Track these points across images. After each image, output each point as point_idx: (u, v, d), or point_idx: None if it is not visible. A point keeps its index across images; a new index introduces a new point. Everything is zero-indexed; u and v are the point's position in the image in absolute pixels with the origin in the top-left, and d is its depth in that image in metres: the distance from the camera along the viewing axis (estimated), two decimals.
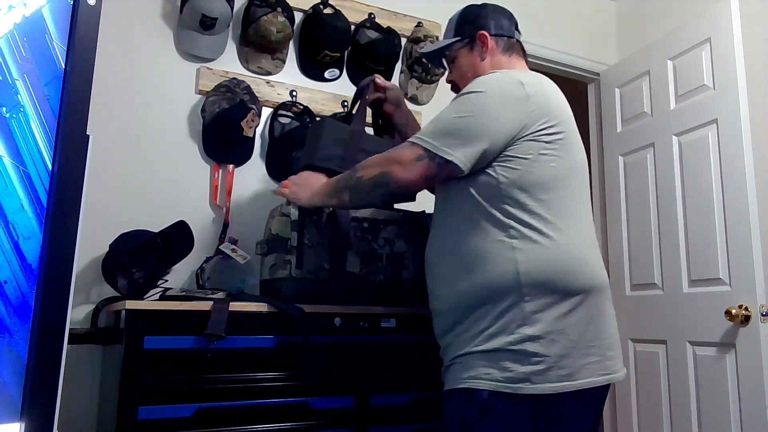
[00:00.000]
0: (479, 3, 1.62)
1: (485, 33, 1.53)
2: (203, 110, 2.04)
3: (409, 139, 1.39)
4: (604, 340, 1.32)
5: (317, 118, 2.22)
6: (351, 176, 1.46)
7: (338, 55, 2.31)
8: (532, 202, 1.31)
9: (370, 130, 1.92)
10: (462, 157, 1.31)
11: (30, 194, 0.82)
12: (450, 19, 1.62)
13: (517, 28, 1.59)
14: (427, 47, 1.68)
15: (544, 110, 1.36)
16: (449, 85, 1.66)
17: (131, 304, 1.50)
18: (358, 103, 1.85)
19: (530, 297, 1.27)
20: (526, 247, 1.29)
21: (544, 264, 1.29)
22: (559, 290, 1.29)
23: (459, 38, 1.57)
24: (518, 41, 1.58)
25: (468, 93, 1.37)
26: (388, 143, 1.74)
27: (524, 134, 1.33)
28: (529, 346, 1.24)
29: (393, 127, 1.87)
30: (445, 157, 1.32)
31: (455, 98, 1.42)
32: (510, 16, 1.59)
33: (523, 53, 1.58)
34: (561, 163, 1.36)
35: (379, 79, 1.83)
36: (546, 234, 1.31)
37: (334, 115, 2.27)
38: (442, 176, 1.37)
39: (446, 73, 1.66)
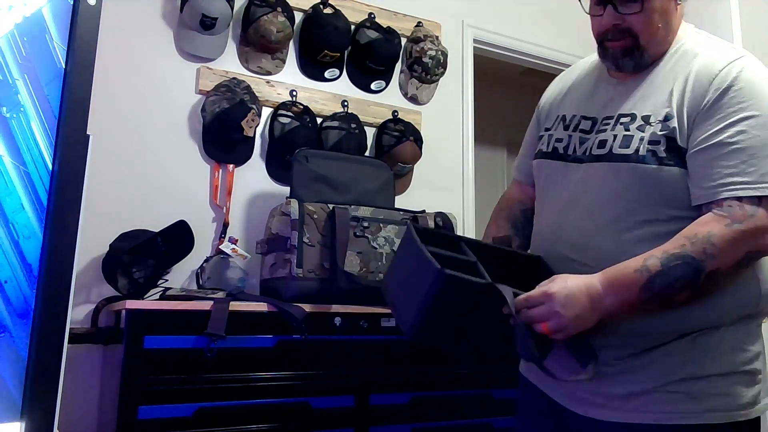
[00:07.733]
0: None
1: None
2: (203, 110, 2.04)
3: (748, 194, 1.04)
4: None
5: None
6: (693, 273, 1.03)
7: (338, 54, 2.31)
8: None
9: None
10: None
11: (30, 194, 0.82)
12: None
13: None
14: None
15: None
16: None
17: (131, 304, 1.50)
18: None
19: (760, 316, 1.15)
20: (759, 261, 1.13)
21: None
22: None
23: None
24: None
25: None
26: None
27: None
28: (757, 365, 1.13)
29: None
30: None
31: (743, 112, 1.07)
32: None
33: None
34: None
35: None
36: None
37: (334, 115, 2.26)
38: None
39: (607, 13, 1.18)
